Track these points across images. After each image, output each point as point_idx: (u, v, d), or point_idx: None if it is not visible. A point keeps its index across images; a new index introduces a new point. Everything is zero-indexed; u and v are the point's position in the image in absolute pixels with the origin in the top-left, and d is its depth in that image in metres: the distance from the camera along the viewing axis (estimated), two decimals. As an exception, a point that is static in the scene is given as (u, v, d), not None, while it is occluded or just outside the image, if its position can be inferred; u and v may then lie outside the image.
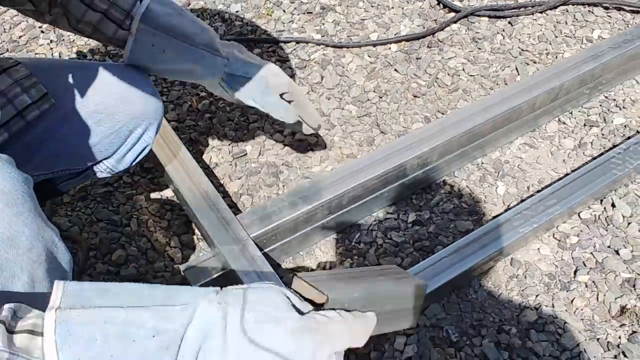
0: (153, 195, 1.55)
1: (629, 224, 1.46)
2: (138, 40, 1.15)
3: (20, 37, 1.97)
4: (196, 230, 1.47)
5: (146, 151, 1.27)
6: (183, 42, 1.18)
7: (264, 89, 1.29)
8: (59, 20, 1.16)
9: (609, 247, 1.43)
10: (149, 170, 1.61)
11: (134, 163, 1.27)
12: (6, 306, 0.64)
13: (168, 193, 1.55)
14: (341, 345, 0.72)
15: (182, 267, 1.32)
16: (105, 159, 1.21)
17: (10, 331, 0.61)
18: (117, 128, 1.18)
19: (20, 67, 1.10)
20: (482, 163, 1.61)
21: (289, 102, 1.34)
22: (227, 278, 1.28)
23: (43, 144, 1.11)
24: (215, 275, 1.27)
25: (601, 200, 1.51)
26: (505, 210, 1.47)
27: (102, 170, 1.24)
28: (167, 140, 1.47)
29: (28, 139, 1.09)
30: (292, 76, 1.85)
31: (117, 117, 1.17)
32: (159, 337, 0.64)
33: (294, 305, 0.71)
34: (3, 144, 1.05)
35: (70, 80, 1.14)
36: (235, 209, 1.50)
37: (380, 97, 1.78)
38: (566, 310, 1.33)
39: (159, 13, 1.16)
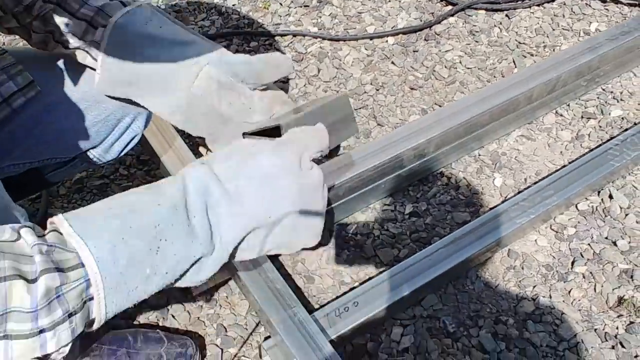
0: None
1: (626, 215, 1.46)
2: (137, 8, 1.03)
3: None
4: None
5: (135, 141, 1.24)
6: (180, 27, 1.06)
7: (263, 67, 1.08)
8: (46, 34, 1.09)
9: (606, 238, 1.42)
10: (145, 162, 1.60)
11: (122, 153, 1.24)
12: (23, 224, 0.69)
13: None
14: (313, 149, 0.85)
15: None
16: (92, 148, 1.19)
17: (38, 235, 0.67)
18: (104, 116, 1.15)
19: (7, 55, 1.09)
20: (479, 155, 1.61)
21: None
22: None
23: (29, 131, 1.10)
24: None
25: (599, 192, 1.51)
26: (502, 202, 1.47)
27: (89, 160, 1.22)
28: (163, 131, 1.47)
29: (13, 126, 1.08)
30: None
31: (104, 105, 1.14)
32: (163, 204, 0.72)
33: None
34: None
35: (57, 68, 1.12)
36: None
37: (377, 90, 1.78)
38: (563, 301, 1.32)
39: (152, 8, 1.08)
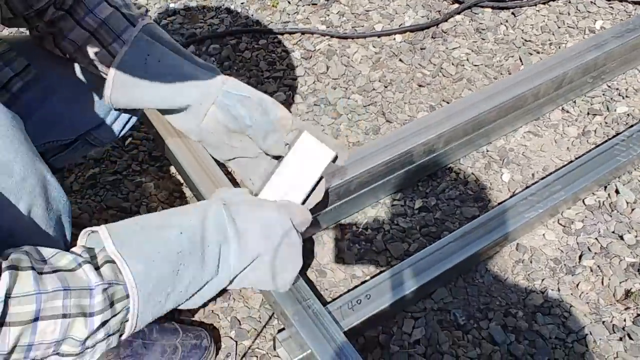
0: (162, 183, 1.56)
1: (632, 209, 1.48)
2: (133, 48, 1.05)
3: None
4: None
5: (134, 119, 1.25)
6: (179, 55, 1.07)
7: (262, 111, 1.08)
8: (49, 35, 1.11)
9: (613, 232, 1.45)
10: (157, 158, 1.62)
11: (122, 133, 1.25)
12: (79, 245, 0.80)
13: (177, 180, 1.56)
14: (297, 220, 0.96)
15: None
16: (92, 129, 1.20)
17: (95, 267, 0.75)
18: (102, 97, 1.12)
19: (1, 42, 1.11)
20: (487, 151, 1.63)
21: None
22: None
23: (29, 115, 1.10)
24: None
25: (605, 187, 1.53)
26: (511, 197, 1.49)
27: (91, 141, 1.23)
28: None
29: (14, 110, 1.09)
30: (298, 66, 1.87)
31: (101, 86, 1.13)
32: (185, 233, 0.83)
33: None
34: None
35: (51, 52, 1.12)
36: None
37: (386, 87, 1.80)
38: (572, 294, 1.34)
39: (156, 33, 1.08)
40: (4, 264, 0.68)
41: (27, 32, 1.14)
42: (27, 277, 0.69)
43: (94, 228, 0.81)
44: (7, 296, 0.66)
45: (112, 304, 0.75)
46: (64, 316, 0.70)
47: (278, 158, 1.06)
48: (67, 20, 1.08)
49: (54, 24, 1.08)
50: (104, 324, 0.74)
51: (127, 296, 0.77)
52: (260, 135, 1.09)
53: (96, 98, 1.17)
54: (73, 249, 0.78)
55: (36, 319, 0.68)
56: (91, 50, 1.09)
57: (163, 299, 0.81)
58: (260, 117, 1.09)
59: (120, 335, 0.80)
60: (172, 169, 1.58)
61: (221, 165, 1.39)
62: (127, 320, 0.79)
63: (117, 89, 1.06)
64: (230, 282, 0.91)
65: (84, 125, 1.19)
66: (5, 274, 0.67)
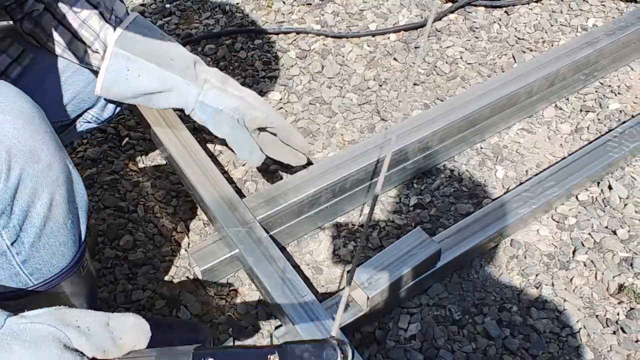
0: (159, 182, 1.57)
1: (625, 205, 1.50)
2: (113, 64, 1.11)
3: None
4: (202, 216, 1.49)
5: None
6: (158, 67, 1.13)
7: (234, 123, 1.21)
8: (34, 34, 1.14)
9: (606, 227, 1.46)
10: (155, 158, 1.63)
11: (117, 110, 1.28)
12: None
13: (174, 179, 1.58)
14: None
15: (189, 250, 1.35)
16: (89, 108, 1.23)
17: None
18: (94, 77, 1.19)
19: None
20: (481, 148, 1.64)
21: (273, 134, 1.28)
22: (233, 260, 1.31)
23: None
24: (222, 258, 1.30)
25: (598, 183, 1.54)
26: (505, 193, 1.50)
27: (88, 120, 1.25)
28: (172, 126, 1.50)
29: None
30: (293, 66, 1.88)
31: None
32: None
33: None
34: None
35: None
36: (240, 194, 1.52)
37: (380, 85, 1.81)
38: (565, 289, 1.36)
39: (136, 38, 1.13)
40: None
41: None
42: None
43: None
44: None
45: None
46: None
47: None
48: (49, 19, 1.11)
49: (37, 23, 1.10)
50: None
51: None
52: (236, 147, 1.19)
53: (90, 78, 1.19)
54: None
55: None
56: (77, 50, 1.13)
57: None
58: (231, 131, 1.20)
59: None
60: (169, 169, 1.59)
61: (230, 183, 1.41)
62: None
63: (105, 91, 1.14)
64: None
65: (80, 105, 1.22)
66: None
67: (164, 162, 1.62)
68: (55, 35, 1.12)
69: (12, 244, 0.83)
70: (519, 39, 1.95)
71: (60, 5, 1.10)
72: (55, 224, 0.86)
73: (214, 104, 1.19)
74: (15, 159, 0.79)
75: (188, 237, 1.47)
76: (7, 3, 1.08)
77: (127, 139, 1.68)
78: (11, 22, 1.14)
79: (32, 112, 0.83)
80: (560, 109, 1.75)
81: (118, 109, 1.29)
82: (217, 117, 1.20)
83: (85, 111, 1.24)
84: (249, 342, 1.29)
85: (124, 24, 1.12)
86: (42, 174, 0.82)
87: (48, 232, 0.85)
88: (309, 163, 1.35)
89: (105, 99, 1.22)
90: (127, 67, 1.12)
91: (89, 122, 1.26)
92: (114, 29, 1.12)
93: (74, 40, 1.13)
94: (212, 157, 1.62)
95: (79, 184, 0.91)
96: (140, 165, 1.62)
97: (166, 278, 1.38)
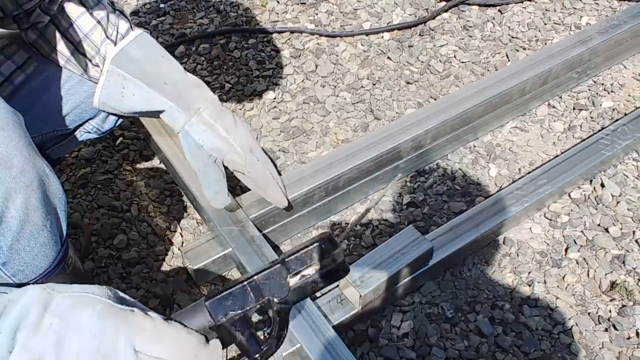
0: (152, 181, 1.57)
1: (617, 203, 1.50)
2: (109, 81, 1.12)
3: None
4: (195, 215, 1.50)
5: None
6: (152, 90, 1.13)
7: (210, 162, 1.20)
8: (38, 45, 1.15)
9: (598, 225, 1.46)
10: (149, 157, 1.63)
11: (118, 122, 1.28)
12: None
13: (167, 179, 1.58)
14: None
15: (183, 249, 1.35)
16: (90, 119, 1.23)
17: None
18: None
19: (1, 37, 1.13)
20: (475, 146, 1.65)
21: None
22: (226, 259, 1.32)
23: (31, 106, 1.13)
24: (215, 257, 1.31)
25: (591, 181, 1.55)
26: (498, 191, 1.51)
27: (89, 131, 1.26)
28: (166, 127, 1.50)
29: (14, 103, 1.11)
30: (287, 65, 1.88)
31: None
32: None
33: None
34: None
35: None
36: (233, 193, 1.52)
37: (374, 84, 1.82)
38: (558, 286, 1.36)
39: (134, 57, 1.13)
40: None
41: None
42: None
43: None
44: None
45: None
46: None
47: None
48: (53, 31, 1.12)
49: (42, 34, 1.11)
50: None
51: None
52: (204, 183, 1.21)
53: (93, 89, 1.19)
54: None
55: None
56: (79, 62, 1.15)
57: None
58: (204, 168, 1.22)
59: None
60: (163, 168, 1.59)
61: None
62: None
63: (102, 105, 1.15)
64: None
65: (82, 115, 1.22)
66: None
67: (157, 161, 1.62)
68: (59, 47, 1.14)
69: None
70: (512, 37, 1.96)
71: (65, 17, 1.11)
72: (33, 226, 0.86)
73: (196, 137, 1.17)
74: None
75: (181, 236, 1.47)
76: (16, 12, 1.09)
77: (121, 138, 1.68)
78: (17, 30, 1.15)
79: (7, 117, 0.83)
80: (554, 107, 1.75)
81: (120, 121, 1.29)
82: (196, 151, 1.19)
83: (86, 121, 1.24)
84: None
85: (125, 41, 1.13)
86: (14, 180, 0.82)
87: (27, 234, 0.86)
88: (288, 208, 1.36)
89: (104, 112, 1.23)
90: (122, 85, 1.12)
91: (89, 133, 1.26)
92: (115, 45, 1.13)
93: (76, 53, 1.14)
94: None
95: (56, 185, 0.91)
96: (135, 165, 1.62)
97: (160, 277, 1.38)
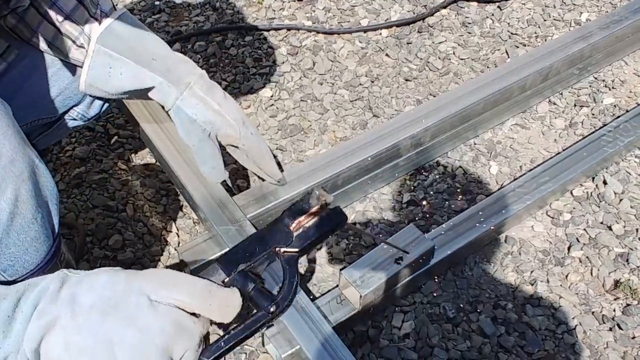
0: (148, 181, 1.55)
1: (620, 200, 1.48)
2: (95, 61, 1.10)
3: None
4: (192, 214, 1.47)
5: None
6: (141, 67, 1.11)
7: (204, 137, 1.18)
8: (18, 30, 1.12)
9: (601, 223, 1.45)
10: (144, 156, 1.61)
11: (104, 108, 1.25)
12: None
13: (163, 178, 1.55)
14: None
15: (179, 249, 1.33)
16: (75, 105, 1.21)
17: None
18: (80, 73, 1.16)
19: None
20: (475, 144, 1.63)
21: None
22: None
23: (14, 94, 1.10)
24: (212, 257, 1.28)
25: (593, 178, 1.53)
26: (499, 189, 1.49)
27: (74, 117, 1.23)
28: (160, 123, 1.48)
29: None
30: (284, 62, 1.86)
31: None
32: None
33: None
34: None
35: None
36: (230, 192, 1.50)
37: (372, 82, 1.80)
38: (561, 285, 1.34)
39: (119, 34, 1.10)
40: None
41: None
42: None
43: None
44: None
45: None
46: None
47: None
48: (33, 14, 1.09)
49: (21, 18, 1.08)
50: None
51: None
52: (199, 159, 1.18)
53: (77, 73, 1.17)
54: None
55: None
56: (62, 46, 1.12)
57: None
58: (199, 143, 1.18)
59: None
60: (158, 167, 1.57)
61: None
62: None
63: (89, 87, 1.12)
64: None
65: (66, 102, 1.20)
66: None
67: (153, 160, 1.60)
68: (40, 29, 1.10)
69: None
70: (512, 34, 1.94)
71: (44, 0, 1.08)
72: (23, 219, 0.84)
73: (189, 111, 1.15)
74: None
75: (178, 236, 1.45)
76: None
77: (115, 137, 1.66)
78: None
79: None
80: (554, 104, 1.73)
81: (105, 106, 1.26)
82: (190, 126, 1.16)
83: (71, 108, 1.21)
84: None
85: (109, 19, 1.10)
86: (4, 170, 0.79)
87: (17, 228, 0.83)
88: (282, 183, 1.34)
89: (90, 96, 1.20)
90: (109, 64, 1.10)
91: (75, 120, 1.24)
92: (99, 24, 1.10)
93: (59, 35, 1.11)
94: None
95: (47, 177, 0.89)
96: (130, 164, 1.60)
97: (156, 278, 1.36)
